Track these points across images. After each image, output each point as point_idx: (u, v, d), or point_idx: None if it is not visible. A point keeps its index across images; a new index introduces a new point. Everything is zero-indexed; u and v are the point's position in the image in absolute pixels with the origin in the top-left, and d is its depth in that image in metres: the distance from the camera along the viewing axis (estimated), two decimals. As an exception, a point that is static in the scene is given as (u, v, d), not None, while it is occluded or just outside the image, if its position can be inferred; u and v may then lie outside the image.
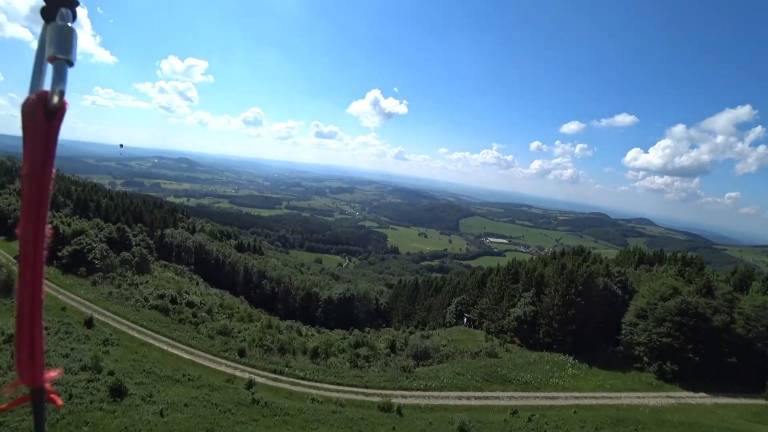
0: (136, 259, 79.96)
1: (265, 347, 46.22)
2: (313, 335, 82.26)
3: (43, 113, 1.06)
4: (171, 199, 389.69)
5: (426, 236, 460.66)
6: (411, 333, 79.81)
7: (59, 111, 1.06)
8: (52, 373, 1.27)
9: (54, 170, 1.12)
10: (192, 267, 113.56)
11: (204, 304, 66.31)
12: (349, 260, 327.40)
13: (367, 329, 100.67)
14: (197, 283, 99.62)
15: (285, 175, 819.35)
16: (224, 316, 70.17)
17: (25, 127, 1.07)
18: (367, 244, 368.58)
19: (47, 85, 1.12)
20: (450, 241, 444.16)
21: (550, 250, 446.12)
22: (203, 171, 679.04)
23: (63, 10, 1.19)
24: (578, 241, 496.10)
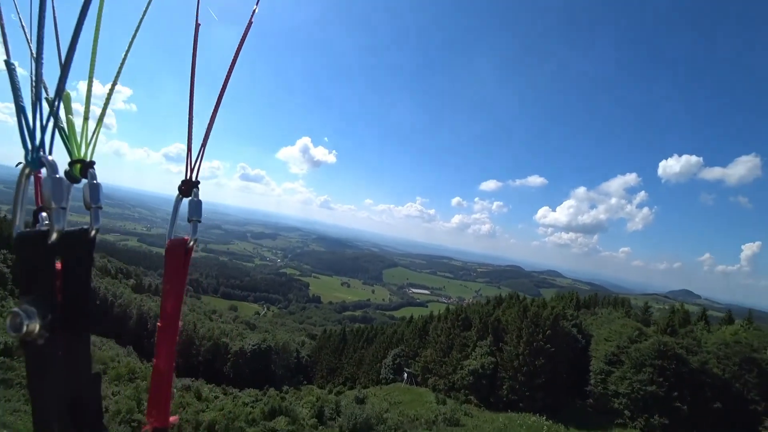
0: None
1: (135, 424, 31.64)
2: (216, 398, 65.56)
3: (184, 252, 1.58)
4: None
5: (349, 285, 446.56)
6: (340, 392, 66.73)
7: (191, 249, 1.59)
8: (173, 418, 1.52)
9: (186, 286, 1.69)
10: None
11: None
12: (268, 309, 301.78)
13: (285, 388, 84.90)
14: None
15: (205, 216, 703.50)
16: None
17: (168, 262, 1.58)
18: (288, 292, 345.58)
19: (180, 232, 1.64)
20: (373, 291, 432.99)
21: (471, 300, 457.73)
22: (113, 205, 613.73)
23: (195, 189, 1.65)
24: (496, 291, 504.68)
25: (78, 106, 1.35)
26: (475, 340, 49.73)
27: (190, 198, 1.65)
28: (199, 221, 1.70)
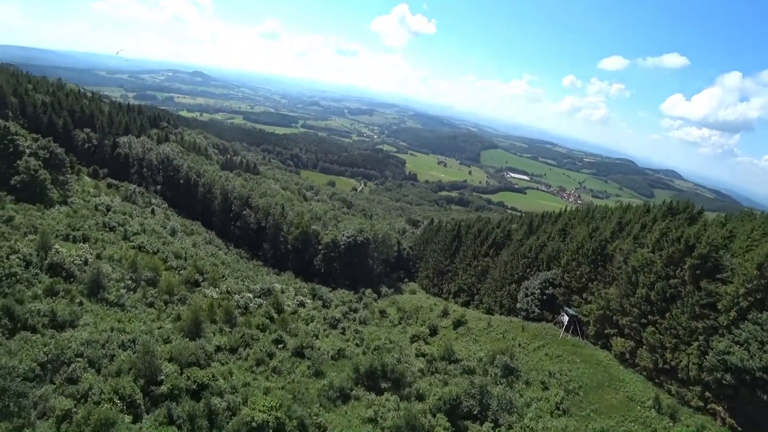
0: (24, 177, 47.78)
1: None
2: (303, 307, 51.39)
3: None
4: (183, 113, 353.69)
5: (445, 165, 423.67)
6: (460, 324, 48.40)
7: None
8: None
9: None
10: (157, 188, 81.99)
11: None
12: (365, 184, 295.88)
13: (384, 289, 69.86)
14: (152, 211, 68.37)
15: (303, 93, 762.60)
16: (149, 277, 38.99)
17: None
18: (384, 168, 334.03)
19: None
20: (470, 173, 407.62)
21: (572, 191, 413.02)
22: (218, 86, 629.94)
23: None
24: (603, 186, 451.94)
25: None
26: (738, 301, 24.94)
27: None
28: None
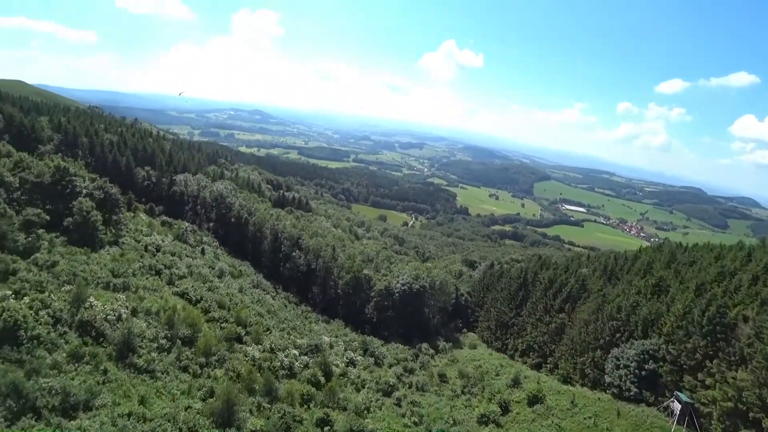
0: (77, 219, 46.64)
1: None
2: (353, 367, 46.09)
3: None
4: (243, 148, 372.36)
5: (497, 198, 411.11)
6: (537, 395, 39.87)
7: None
8: None
9: None
10: (210, 226, 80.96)
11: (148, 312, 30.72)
12: (416, 218, 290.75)
13: (441, 343, 62.58)
14: (202, 251, 66.32)
15: (354, 129, 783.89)
16: (186, 335, 34.90)
17: None
18: (435, 201, 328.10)
19: None
20: (523, 205, 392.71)
21: (634, 223, 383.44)
22: (275, 123, 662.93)
23: None
24: (667, 217, 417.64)
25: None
26: None
27: None
28: None
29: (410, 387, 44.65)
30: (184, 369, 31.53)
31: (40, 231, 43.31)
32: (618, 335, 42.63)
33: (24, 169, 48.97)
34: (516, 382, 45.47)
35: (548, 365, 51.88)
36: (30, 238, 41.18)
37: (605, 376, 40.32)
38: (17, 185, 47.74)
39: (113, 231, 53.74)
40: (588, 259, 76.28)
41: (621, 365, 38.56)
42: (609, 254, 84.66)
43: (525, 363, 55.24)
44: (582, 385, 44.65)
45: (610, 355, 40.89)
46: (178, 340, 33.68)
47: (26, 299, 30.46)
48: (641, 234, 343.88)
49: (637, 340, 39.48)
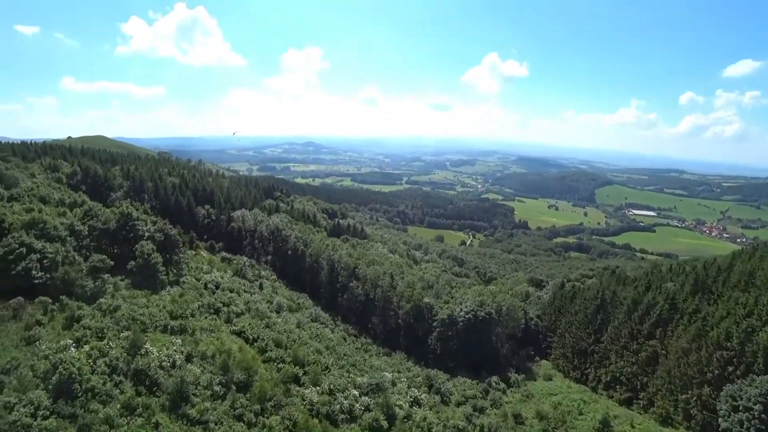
0: (139, 261, 47.75)
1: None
2: (418, 407, 42.01)
3: None
4: (298, 180, 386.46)
5: (557, 208, 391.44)
6: None
7: None
8: None
9: None
10: (267, 259, 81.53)
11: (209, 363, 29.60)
12: (473, 236, 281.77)
13: (513, 375, 56.83)
14: (261, 285, 66.18)
15: (405, 151, 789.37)
16: (240, 380, 33.26)
17: None
18: (492, 218, 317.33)
19: None
20: (585, 214, 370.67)
21: (714, 223, 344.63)
22: (327, 152, 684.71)
23: None
24: (753, 213, 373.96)
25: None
26: None
27: None
28: None
29: (482, 431, 39.85)
30: (239, 418, 29.64)
31: (106, 276, 44.74)
32: (731, 368, 35.63)
33: (93, 217, 51.47)
34: (605, 425, 39.31)
35: (641, 401, 44.83)
36: (96, 284, 42.45)
37: (719, 419, 33.30)
38: (86, 233, 50.14)
39: (174, 271, 54.80)
40: (671, 270, 67.31)
41: (740, 407, 31.64)
42: (695, 263, 74.53)
43: (611, 398, 48.34)
44: (688, 429, 37.70)
45: (723, 394, 33.94)
46: (232, 386, 32.09)
47: (86, 347, 30.49)
48: (724, 235, 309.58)
49: (758, 375, 32.50)
